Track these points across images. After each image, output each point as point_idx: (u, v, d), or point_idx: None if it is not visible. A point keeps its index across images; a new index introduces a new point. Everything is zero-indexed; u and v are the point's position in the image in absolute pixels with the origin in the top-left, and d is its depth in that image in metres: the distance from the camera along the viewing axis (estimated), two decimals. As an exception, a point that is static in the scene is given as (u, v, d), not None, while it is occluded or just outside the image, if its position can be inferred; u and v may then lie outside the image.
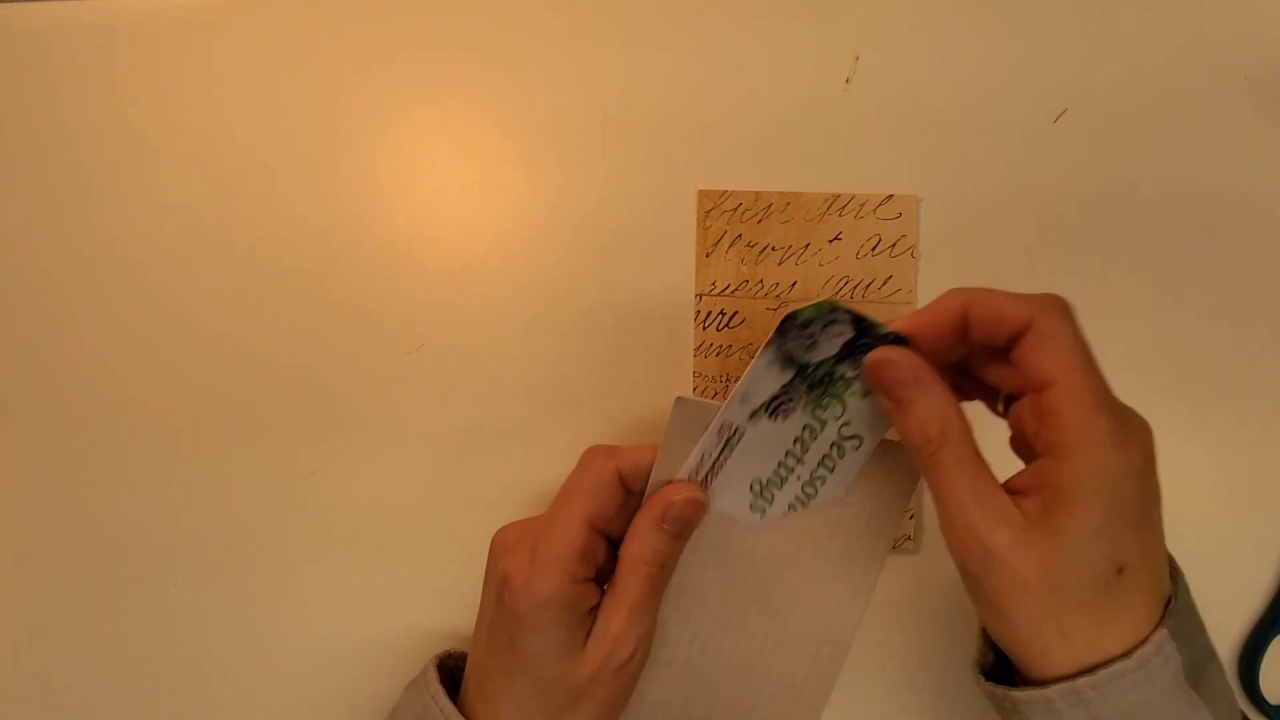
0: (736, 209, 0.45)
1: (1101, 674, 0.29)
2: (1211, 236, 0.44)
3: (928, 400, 0.31)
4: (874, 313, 0.32)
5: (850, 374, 0.33)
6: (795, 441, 0.34)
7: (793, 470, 0.35)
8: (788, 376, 0.33)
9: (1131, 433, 0.29)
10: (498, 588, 0.34)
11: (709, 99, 0.45)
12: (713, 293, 0.45)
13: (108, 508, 0.46)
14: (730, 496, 0.35)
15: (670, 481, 0.34)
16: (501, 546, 0.35)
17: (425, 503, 0.45)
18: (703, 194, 0.45)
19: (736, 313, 0.45)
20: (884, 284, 0.44)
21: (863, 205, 0.44)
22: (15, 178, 0.47)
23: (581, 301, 0.45)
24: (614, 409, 0.45)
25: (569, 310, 0.45)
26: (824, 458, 0.34)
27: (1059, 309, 0.30)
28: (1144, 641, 0.29)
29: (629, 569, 0.34)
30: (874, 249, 0.44)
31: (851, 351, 0.32)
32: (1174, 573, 0.32)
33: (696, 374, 0.45)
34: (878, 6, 0.45)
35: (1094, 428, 0.29)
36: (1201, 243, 0.44)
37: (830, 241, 0.44)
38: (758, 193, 0.45)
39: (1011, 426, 0.33)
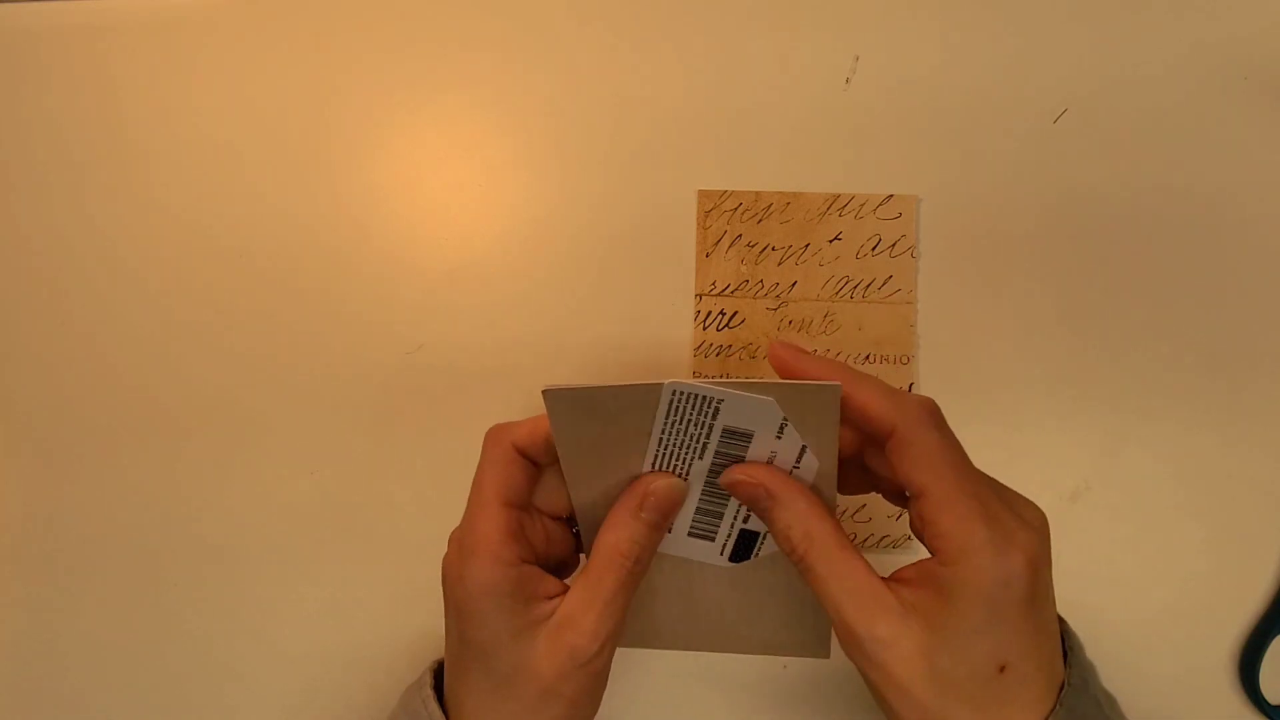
0: (736, 209, 0.45)
1: None
2: (1212, 236, 0.44)
3: (783, 511, 0.31)
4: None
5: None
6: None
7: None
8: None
9: (1010, 538, 0.29)
10: (442, 585, 0.34)
11: (709, 99, 0.45)
12: (713, 293, 0.45)
13: (108, 508, 0.46)
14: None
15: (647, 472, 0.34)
16: (448, 543, 0.35)
17: (426, 503, 0.45)
18: (703, 194, 0.45)
19: (736, 313, 0.45)
20: (884, 284, 0.44)
21: (863, 205, 0.44)
22: (11, 177, 0.47)
23: (581, 302, 0.45)
24: (614, 409, 0.45)
25: (568, 311, 0.45)
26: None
27: (923, 416, 0.31)
28: None
29: (604, 560, 0.33)
30: (874, 249, 0.44)
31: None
32: (1072, 655, 0.32)
33: (696, 374, 0.44)
34: (878, 6, 0.45)
35: (968, 537, 0.29)
36: (1202, 242, 0.44)
37: (830, 241, 0.44)
38: (758, 193, 0.45)
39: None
